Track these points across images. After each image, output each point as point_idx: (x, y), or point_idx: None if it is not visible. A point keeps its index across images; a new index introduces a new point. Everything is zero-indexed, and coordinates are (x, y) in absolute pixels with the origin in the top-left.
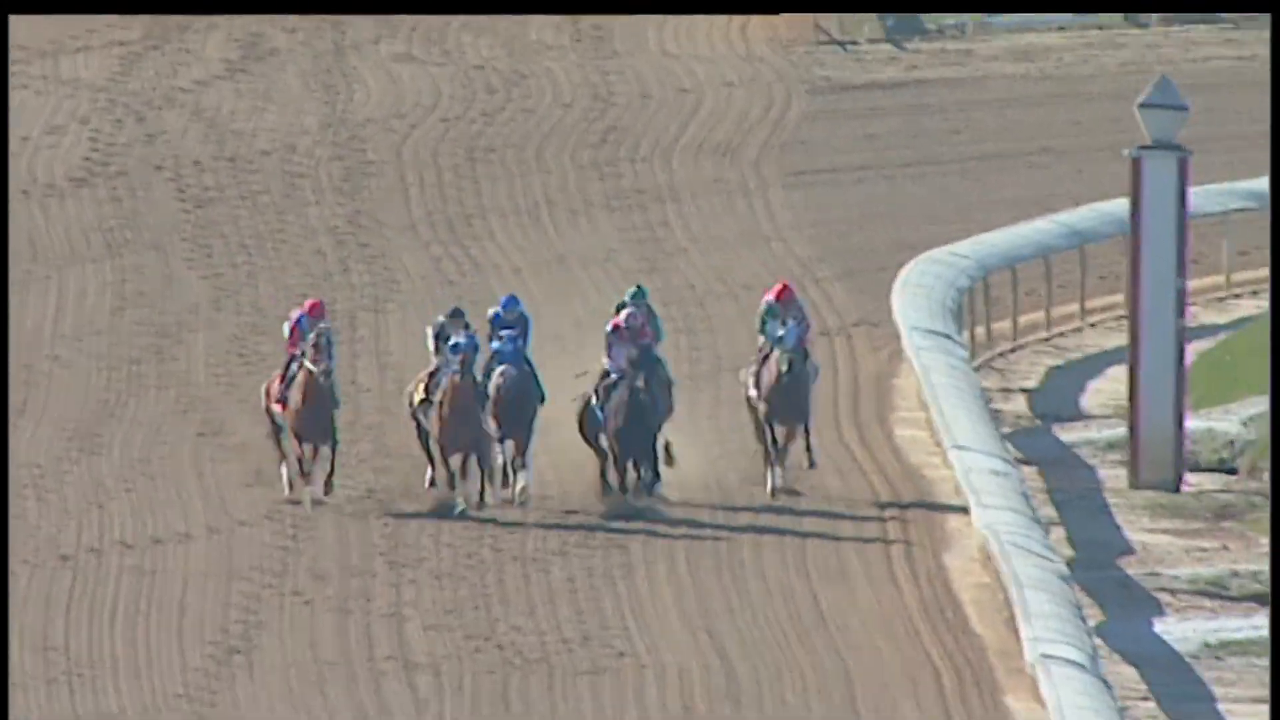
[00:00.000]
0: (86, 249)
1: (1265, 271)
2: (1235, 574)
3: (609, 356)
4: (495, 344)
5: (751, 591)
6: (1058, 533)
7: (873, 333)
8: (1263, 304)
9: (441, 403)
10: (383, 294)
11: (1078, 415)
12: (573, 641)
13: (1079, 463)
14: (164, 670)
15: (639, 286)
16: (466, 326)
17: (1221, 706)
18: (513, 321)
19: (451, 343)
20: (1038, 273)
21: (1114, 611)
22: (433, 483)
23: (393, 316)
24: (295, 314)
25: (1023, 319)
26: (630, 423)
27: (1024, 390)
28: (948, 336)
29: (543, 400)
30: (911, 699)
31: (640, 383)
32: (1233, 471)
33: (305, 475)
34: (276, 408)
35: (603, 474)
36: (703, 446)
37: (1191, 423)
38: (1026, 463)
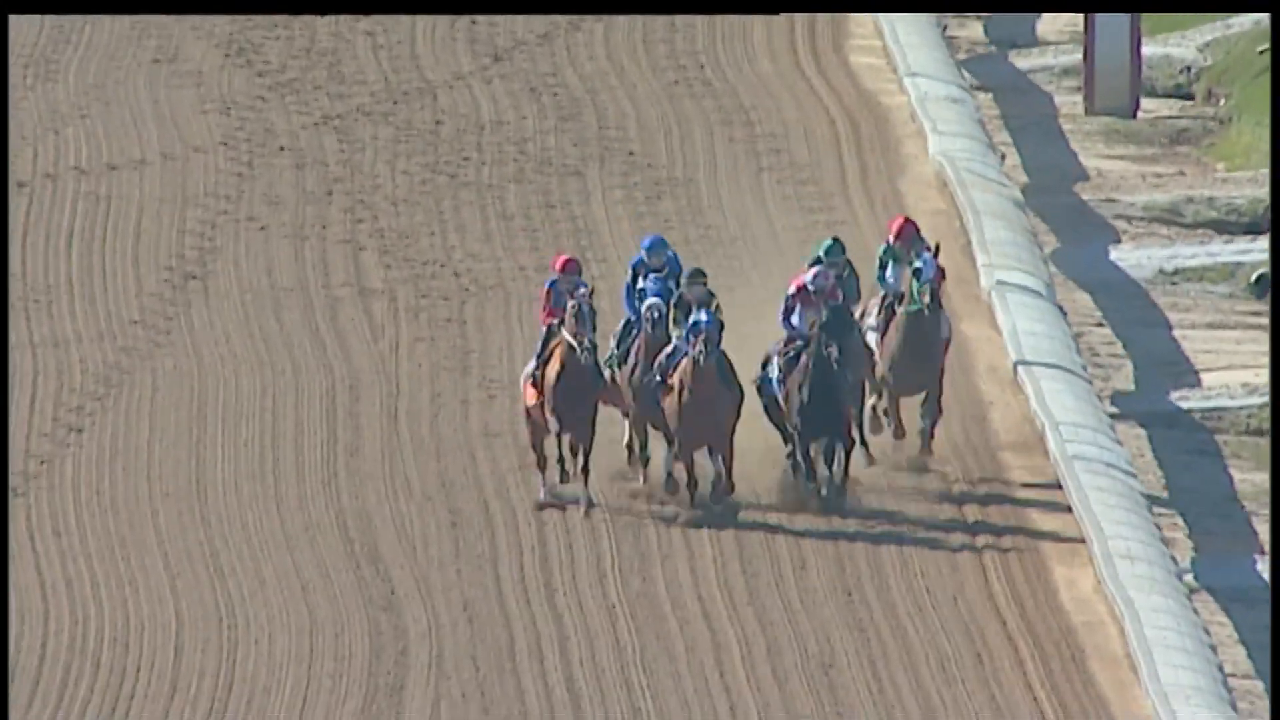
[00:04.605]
0: None
1: None
2: (1190, 200)
3: (788, 322)
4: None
5: (704, 209)
6: (1013, 159)
7: None
8: None
9: (680, 388)
10: None
11: (1033, 41)
12: (528, 269)
13: (1034, 89)
14: (119, 296)
15: (834, 240)
16: (708, 290)
17: (1176, 332)
18: (658, 268)
19: (692, 321)
20: None
21: (1069, 238)
22: (669, 487)
23: None
24: (548, 279)
25: None
26: (816, 396)
27: (979, 16)
28: None
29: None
30: None
31: (830, 349)
32: (1189, 97)
33: (569, 477)
34: (530, 393)
35: (790, 460)
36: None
37: (1147, 48)
38: (982, 89)
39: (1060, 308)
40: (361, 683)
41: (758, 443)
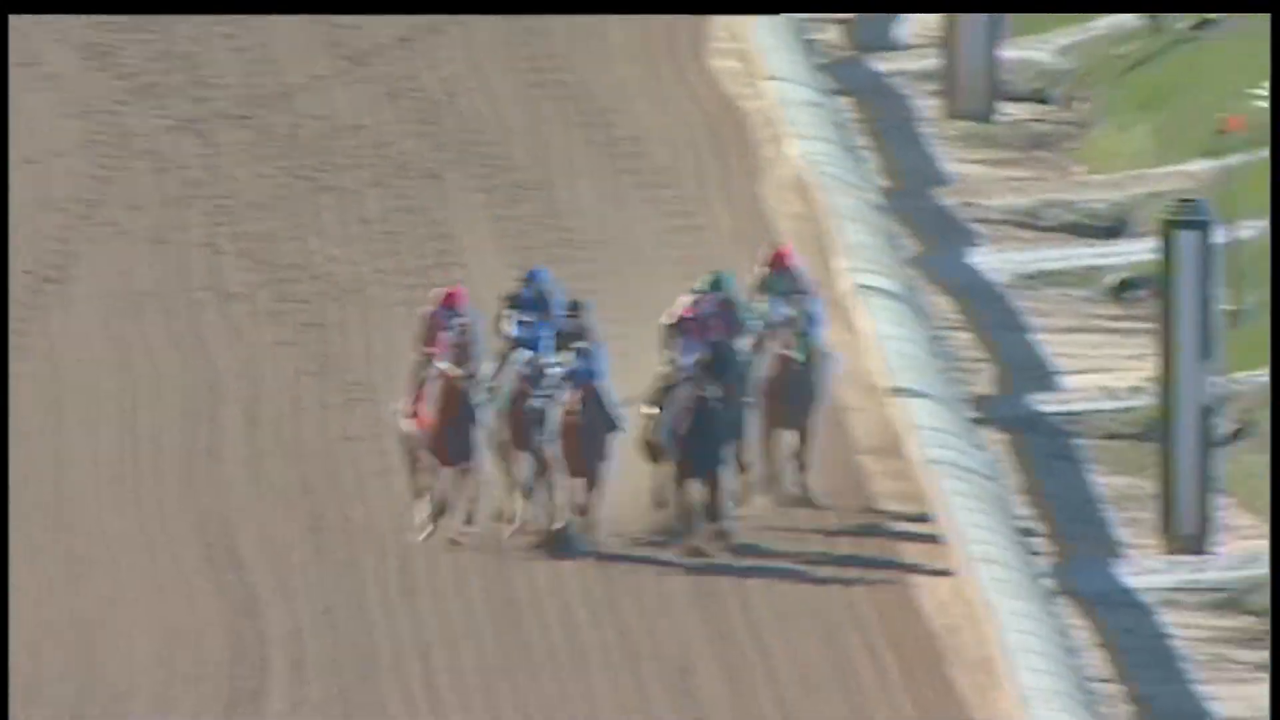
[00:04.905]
0: None
1: None
2: (1049, 204)
3: (668, 353)
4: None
5: (562, 213)
6: (873, 163)
7: None
8: None
9: (560, 423)
10: None
11: (893, 45)
12: (388, 272)
13: (894, 93)
14: None
15: (720, 273)
16: (585, 324)
17: (1037, 336)
18: (535, 300)
19: (570, 369)
20: None
21: (929, 241)
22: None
23: None
24: (428, 308)
25: None
26: (696, 435)
27: (839, 21)
28: None
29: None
30: None
31: (710, 388)
32: (1047, 101)
33: (441, 514)
34: (410, 422)
35: (663, 500)
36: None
37: (1006, 52)
38: (841, 93)
39: (921, 311)
40: (222, 688)
41: (634, 481)
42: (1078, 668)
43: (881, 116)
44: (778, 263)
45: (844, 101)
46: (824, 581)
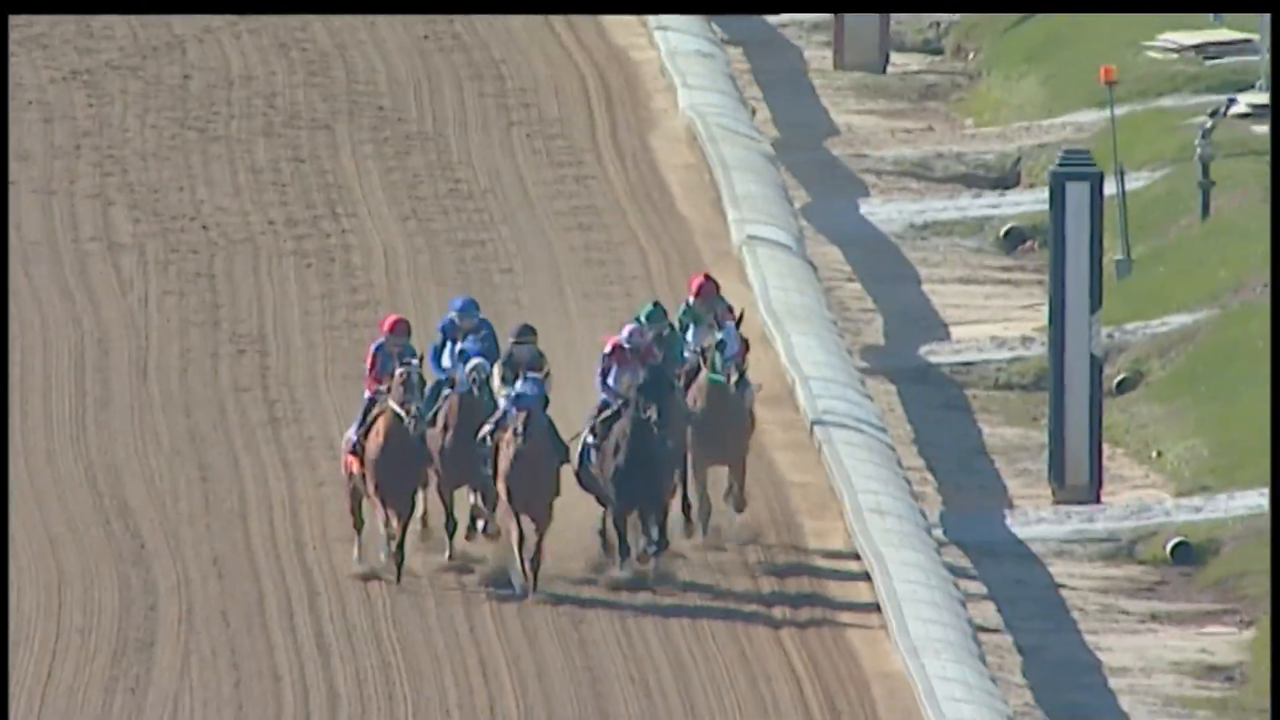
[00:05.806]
0: None
1: None
2: (939, 155)
3: (605, 383)
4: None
5: (453, 164)
6: (763, 114)
7: None
8: None
9: (504, 457)
10: None
11: None
12: (277, 223)
13: (785, 44)
14: None
15: (655, 304)
16: (537, 350)
17: (925, 287)
18: (470, 330)
19: (516, 393)
20: None
21: (819, 192)
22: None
23: None
24: (373, 343)
25: None
26: (633, 462)
27: None
28: None
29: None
30: (621, 274)
31: (648, 412)
32: (938, 52)
33: (395, 552)
34: (351, 462)
35: (601, 531)
36: None
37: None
38: (732, 44)
39: (811, 262)
40: (111, 638)
41: (573, 516)
42: (966, 618)
43: (773, 68)
44: (701, 291)
45: (735, 52)
46: (712, 530)
